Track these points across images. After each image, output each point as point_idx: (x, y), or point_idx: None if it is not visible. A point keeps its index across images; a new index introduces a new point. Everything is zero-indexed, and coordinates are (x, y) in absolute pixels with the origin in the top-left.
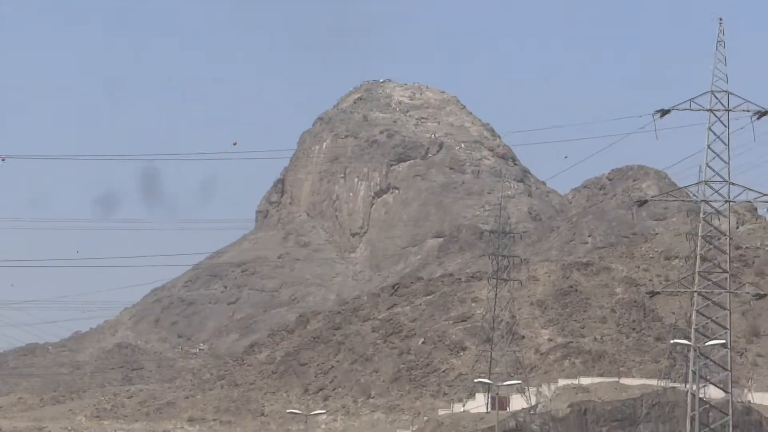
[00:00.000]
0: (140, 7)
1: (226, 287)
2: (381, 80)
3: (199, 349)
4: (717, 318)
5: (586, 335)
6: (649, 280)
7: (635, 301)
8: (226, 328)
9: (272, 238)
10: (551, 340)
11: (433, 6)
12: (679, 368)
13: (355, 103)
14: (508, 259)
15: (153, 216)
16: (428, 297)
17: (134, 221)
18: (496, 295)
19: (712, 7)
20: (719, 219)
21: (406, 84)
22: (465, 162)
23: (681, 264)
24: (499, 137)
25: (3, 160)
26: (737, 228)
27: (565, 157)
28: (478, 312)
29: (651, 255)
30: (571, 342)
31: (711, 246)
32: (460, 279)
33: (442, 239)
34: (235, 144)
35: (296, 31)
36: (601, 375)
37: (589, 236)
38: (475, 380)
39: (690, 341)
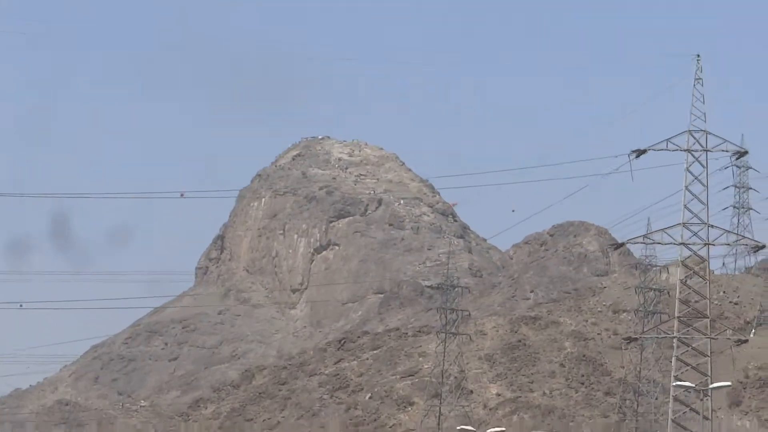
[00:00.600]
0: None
1: (166, 344)
2: (320, 137)
3: (140, 406)
4: (698, 365)
5: (534, 390)
6: (598, 333)
7: (584, 356)
8: (168, 385)
9: (212, 295)
10: (499, 395)
11: (368, 64)
12: (629, 423)
13: (293, 159)
14: (456, 313)
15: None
16: (375, 351)
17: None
18: (444, 348)
19: (688, 44)
20: (668, 271)
21: (345, 141)
22: (404, 218)
23: (629, 318)
24: (438, 193)
25: None
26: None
27: (513, 211)
28: (426, 366)
29: (599, 309)
30: (520, 396)
31: (666, 297)
32: (406, 333)
33: (382, 295)
34: (182, 195)
35: (233, 86)
36: (551, 430)
37: (531, 292)
38: None
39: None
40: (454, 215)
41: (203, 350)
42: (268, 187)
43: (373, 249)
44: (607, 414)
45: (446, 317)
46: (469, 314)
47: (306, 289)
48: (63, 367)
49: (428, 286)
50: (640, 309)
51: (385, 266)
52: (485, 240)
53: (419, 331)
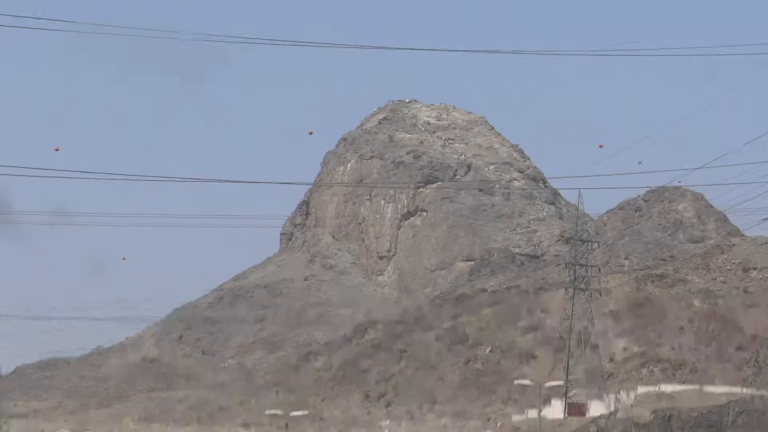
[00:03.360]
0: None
1: (251, 308)
2: (406, 100)
3: (228, 363)
4: None
5: (663, 344)
6: (728, 292)
7: (714, 312)
8: (252, 345)
9: (297, 261)
10: (626, 349)
11: (459, 25)
12: (764, 376)
13: (380, 123)
14: (585, 269)
15: None
16: (493, 307)
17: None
18: (572, 304)
19: None
20: None
21: (432, 104)
22: (494, 184)
23: (761, 276)
24: (529, 158)
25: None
26: None
27: (640, 162)
28: (548, 322)
29: (728, 267)
30: (648, 351)
31: None
32: (527, 291)
33: (472, 262)
34: (311, 133)
35: (320, 47)
36: (682, 383)
37: (625, 258)
38: (550, 384)
39: None
40: (544, 180)
41: (289, 314)
42: (354, 151)
43: (462, 215)
44: (740, 368)
45: (575, 272)
46: (599, 269)
47: (393, 255)
48: (145, 327)
49: (519, 254)
50: None
51: (474, 233)
52: (576, 206)
53: (540, 288)
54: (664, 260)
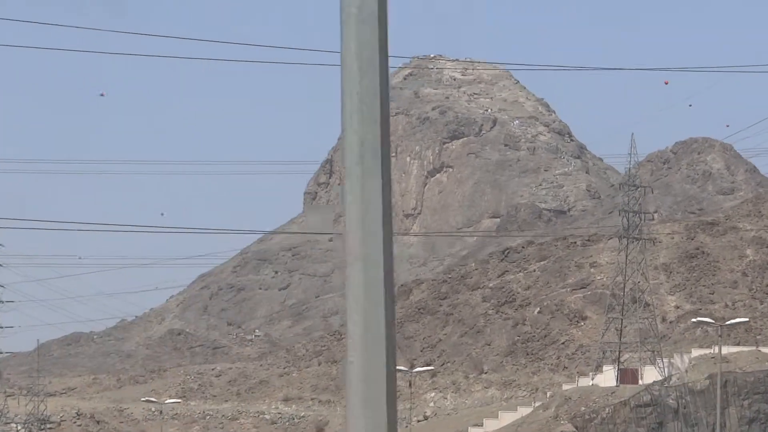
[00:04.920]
0: None
1: (276, 272)
2: (432, 55)
3: (255, 336)
4: None
5: (716, 301)
6: None
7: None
8: (278, 315)
9: (321, 222)
10: (678, 307)
11: None
12: None
13: (405, 79)
14: (638, 216)
15: None
16: (542, 263)
17: None
18: (626, 255)
19: None
20: None
21: (457, 59)
22: (520, 138)
23: None
24: (554, 112)
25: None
26: None
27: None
28: (598, 278)
29: None
30: (701, 309)
31: None
32: (575, 243)
33: (498, 219)
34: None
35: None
36: (737, 344)
37: (654, 212)
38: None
39: None
40: (570, 134)
41: (314, 278)
42: None
43: (488, 171)
44: None
45: (628, 220)
46: (653, 217)
47: (419, 213)
48: (169, 297)
49: (546, 209)
50: None
51: (500, 189)
52: (602, 160)
53: (588, 240)
54: (693, 213)
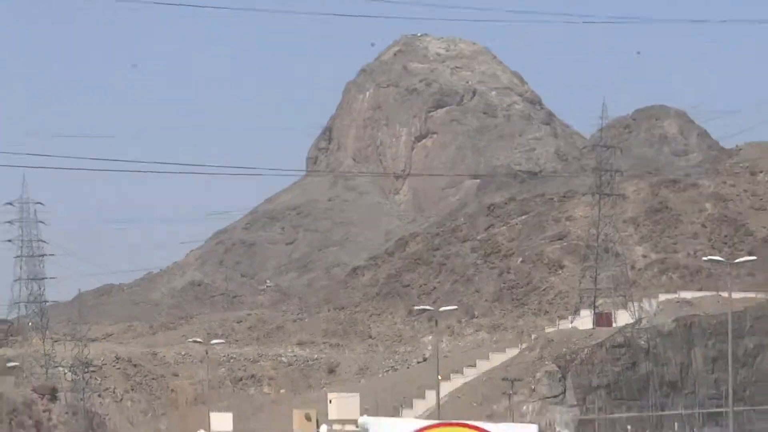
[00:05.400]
0: None
1: (283, 229)
2: (419, 34)
3: (267, 286)
4: None
5: (679, 251)
6: (737, 195)
7: (725, 216)
8: (286, 267)
9: (322, 183)
10: (646, 256)
11: None
12: None
13: (395, 55)
14: (609, 174)
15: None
16: (523, 217)
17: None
18: (600, 209)
19: None
20: None
21: (441, 37)
22: (497, 107)
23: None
24: (527, 83)
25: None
26: None
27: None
28: (573, 231)
29: (736, 171)
30: (666, 258)
31: None
32: (552, 199)
33: (479, 180)
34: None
35: None
36: (701, 289)
37: (616, 172)
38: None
39: None
40: (541, 103)
41: (317, 234)
42: (372, 80)
43: (469, 136)
44: (753, 272)
45: (600, 178)
46: (623, 173)
47: (408, 175)
48: (189, 251)
49: (520, 170)
50: None
51: (480, 152)
52: (568, 126)
53: (563, 197)
54: (650, 172)
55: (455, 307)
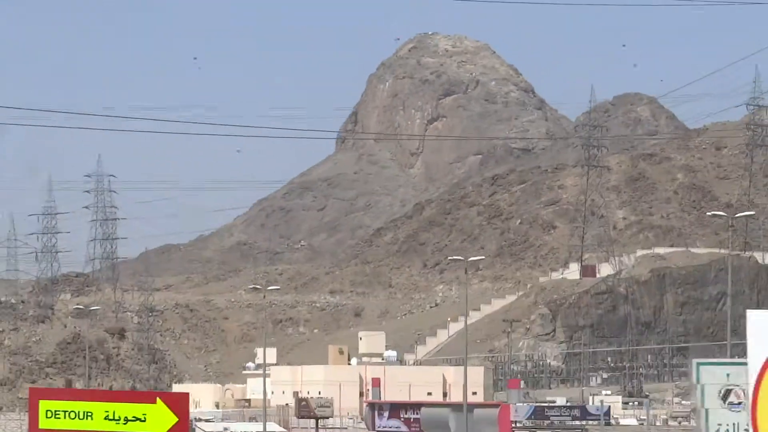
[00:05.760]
0: None
1: (315, 197)
2: (430, 33)
3: (301, 245)
4: None
5: (654, 213)
6: (704, 167)
7: (694, 185)
8: (317, 229)
9: (349, 159)
10: (625, 218)
11: None
12: (737, 238)
13: (410, 51)
14: (597, 149)
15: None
16: (521, 186)
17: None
18: (588, 179)
19: None
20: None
21: (449, 35)
22: (496, 95)
23: (731, 153)
24: (521, 74)
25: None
26: None
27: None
28: (564, 197)
29: (703, 146)
30: (642, 219)
31: None
32: (546, 170)
33: (481, 156)
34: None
35: None
36: (672, 246)
37: (602, 147)
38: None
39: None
40: (533, 91)
41: (344, 202)
42: (391, 73)
43: (472, 120)
44: (717, 231)
45: (588, 152)
46: (607, 149)
47: (421, 152)
48: (236, 217)
49: (516, 148)
50: (749, 143)
51: (481, 133)
52: (557, 110)
53: (556, 168)
54: (627, 149)
55: (482, 257)
